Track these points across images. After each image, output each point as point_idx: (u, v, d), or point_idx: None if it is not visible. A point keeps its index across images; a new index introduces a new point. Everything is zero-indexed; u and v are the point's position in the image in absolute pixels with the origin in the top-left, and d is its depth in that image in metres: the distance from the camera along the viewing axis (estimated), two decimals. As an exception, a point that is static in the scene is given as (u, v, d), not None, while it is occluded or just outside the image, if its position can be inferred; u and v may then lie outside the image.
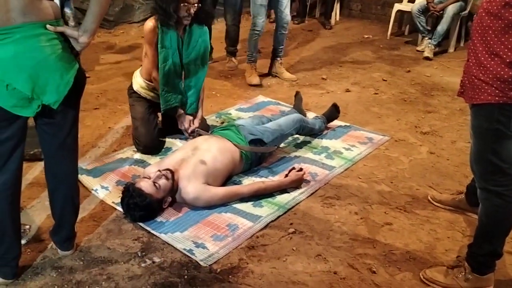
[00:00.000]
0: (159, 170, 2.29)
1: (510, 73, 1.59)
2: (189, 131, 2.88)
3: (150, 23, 2.72)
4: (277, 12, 4.06)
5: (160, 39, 2.70)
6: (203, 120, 3.04)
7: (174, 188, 2.29)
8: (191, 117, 2.90)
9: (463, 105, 3.47)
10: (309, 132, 3.07)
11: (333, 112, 3.29)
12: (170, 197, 2.30)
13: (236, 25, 4.49)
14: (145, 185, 2.22)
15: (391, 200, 2.52)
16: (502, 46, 1.59)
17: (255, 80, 4.10)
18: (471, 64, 1.71)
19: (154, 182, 2.22)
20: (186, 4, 2.64)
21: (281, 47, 4.20)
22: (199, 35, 2.82)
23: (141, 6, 5.68)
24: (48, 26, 1.61)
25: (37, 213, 2.30)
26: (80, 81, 1.75)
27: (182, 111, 2.90)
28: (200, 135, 2.83)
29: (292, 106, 3.41)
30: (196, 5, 2.68)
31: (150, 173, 2.32)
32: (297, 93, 3.45)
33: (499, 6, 1.58)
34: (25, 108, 1.63)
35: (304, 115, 3.37)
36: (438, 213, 2.41)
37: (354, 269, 2.01)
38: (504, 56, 1.59)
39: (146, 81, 2.92)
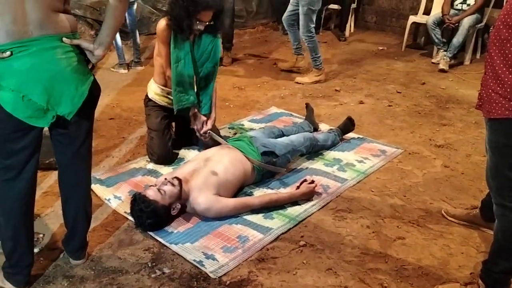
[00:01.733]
0: (165, 178, 2.31)
1: (528, 87, 1.57)
2: (202, 131, 2.85)
3: (163, 22, 2.73)
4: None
5: (172, 40, 2.71)
6: (214, 128, 3.04)
7: (181, 196, 2.29)
8: (204, 118, 2.88)
9: (479, 118, 3.43)
10: (320, 150, 3.06)
11: (348, 125, 3.27)
12: (179, 204, 2.30)
13: (232, 22, 4.72)
14: (150, 192, 2.24)
15: (404, 214, 2.49)
16: (521, 59, 1.57)
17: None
18: (488, 77, 1.68)
19: (158, 189, 2.24)
20: (199, 21, 2.67)
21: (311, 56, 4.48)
22: (210, 40, 2.83)
23: (158, 18, 5.75)
24: (64, 39, 1.64)
25: (50, 221, 2.33)
26: (94, 93, 1.78)
27: (196, 110, 2.87)
28: (212, 138, 2.83)
29: (304, 118, 3.41)
30: (209, 22, 2.70)
31: (157, 181, 2.34)
32: (307, 105, 3.46)
33: (518, 19, 1.56)
34: (40, 119, 1.66)
35: (317, 126, 3.37)
36: (452, 228, 2.37)
37: (365, 284, 1.99)
38: (523, 69, 1.56)
39: (160, 86, 2.93)
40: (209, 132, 2.85)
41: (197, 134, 2.88)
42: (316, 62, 4.46)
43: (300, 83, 4.44)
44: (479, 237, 2.30)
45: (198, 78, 2.90)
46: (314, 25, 4.31)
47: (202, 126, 2.86)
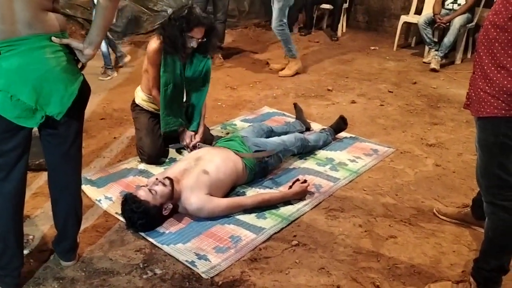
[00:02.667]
0: (156, 178, 2.30)
1: (517, 85, 1.58)
2: (191, 145, 2.90)
3: (154, 45, 2.74)
4: None
5: (163, 63, 2.73)
6: (206, 132, 3.05)
7: (173, 196, 2.28)
8: (192, 133, 2.94)
9: (470, 117, 3.43)
10: (312, 150, 3.06)
11: (341, 124, 3.28)
12: (171, 204, 2.29)
13: (224, 22, 4.76)
14: (141, 192, 2.23)
15: (396, 212, 2.49)
16: (509, 59, 1.57)
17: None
18: (477, 76, 1.69)
19: (150, 189, 2.22)
20: (192, 38, 2.68)
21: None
22: (201, 61, 2.87)
23: (149, 18, 5.74)
24: (53, 38, 1.62)
25: (40, 223, 2.31)
26: (84, 93, 1.76)
27: (183, 128, 2.92)
28: (201, 148, 2.84)
29: (295, 118, 3.41)
30: (201, 39, 2.72)
31: (149, 182, 2.32)
32: (295, 105, 3.48)
33: (506, 19, 1.57)
34: (28, 119, 1.65)
35: (308, 125, 3.38)
36: (443, 227, 2.38)
37: (358, 283, 1.99)
38: (511, 68, 1.57)
39: (148, 95, 2.96)
40: (198, 144, 2.89)
41: (187, 149, 2.93)
42: (292, 51, 4.57)
43: (283, 76, 4.56)
44: (470, 235, 2.31)
45: (188, 97, 2.93)
46: (286, 20, 4.45)
47: (191, 141, 2.91)
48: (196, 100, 2.95)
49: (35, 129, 1.75)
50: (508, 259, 1.83)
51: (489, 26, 1.63)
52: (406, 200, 2.61)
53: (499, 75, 1.61)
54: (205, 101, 3.03)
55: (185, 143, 2.93)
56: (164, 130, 2.86)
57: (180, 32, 2.64)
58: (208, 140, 3.06)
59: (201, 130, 2.98)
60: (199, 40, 2.71)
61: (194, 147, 2.88)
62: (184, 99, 2.94)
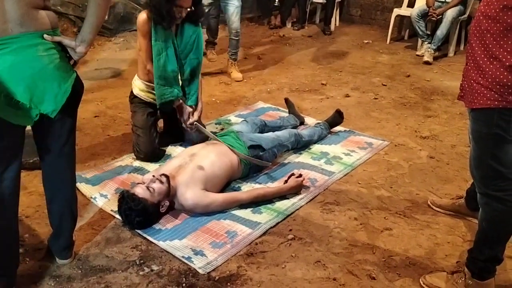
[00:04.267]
0: (153, 175, 2.30)
1: (510, 77, 1.58)
2: (188, 123, 2.80)
3: (143, 15, 2.71)
4: (226, 19, 4.34)
5: (153, 32, 2.69)
6: (201, 122, 3.01)
7: (170, 192, 2.28)
8: (190, 109, 2.83)
9: (463, 109, 3.46)
10: (307, 145, 3.06)
11: (337, 118, 3.28)
12: (168, 201, 2.29)
13: (217, 17, 4.71)
14: (139, 190, 2.22)
15: (391, 205, 2.51)
16: (501, 50, 1.58)
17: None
18: (470, 68, 1.70)
19: (147, 187, 2.22)
20: (179, 7, 2.65)
21: (233, 50, 4.46)
22: (192, 31, 2.81)
23: (141, 14, 5.70)
24: (45, 36, 1.62)
25: (35, 221, 2.30)
26: (77, 90, 1.75)
27: (181, 101, 2.82)
28: (198, 130, 2.81)
29: (288, 112, 3.42)
30: (188, 9, 2.69)
31: (145, 179, 2.32)
32: (287, 100, 3.48)
33: (497, 9, 1.57)
34: (23, 117, 1.64)
35: (302, 119, 3.39)
36: (438, 218, 2.40)
37: (354, 276, 2.00)
38: (504, 59, 1.57)
39: (145, 82, 2.90)
40: (195, 124, 2.81)
41: (183, 125, 2.84)
42: (237, 54, 4.53)
43: (239, 80, 4.41)
44: (464, 226, 2.33)
45: (183, 70, 2.87)
46: None
47: (189, 117, 2.81)
48: (191, 73, 2.88)
49: (28, 128, 1.74)
50: (502, 249, 1.85)
51: (481, 17, 1.64)
52: (400, 193, 2.62)
53: (491, 66, 1.61)
54: (201, 79, 2.97)
55: (183, 120, 2.82)
56: (160, 102, 2.78)
57: (166, 0, 2.59)
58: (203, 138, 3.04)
59: (199, 107, 2.91)
60: (187, 9, 2.67)
61: (192, 125, 2.80)
62: (179, 73, 2.87)
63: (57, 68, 1.64)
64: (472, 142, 1.79)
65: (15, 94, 1.58)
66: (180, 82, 2.89)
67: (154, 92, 2.86)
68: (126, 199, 2.20)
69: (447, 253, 2.15)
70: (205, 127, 3.09)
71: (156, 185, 2.23)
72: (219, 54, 4.92)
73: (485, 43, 1.62)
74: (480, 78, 1.65)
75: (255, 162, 2.68)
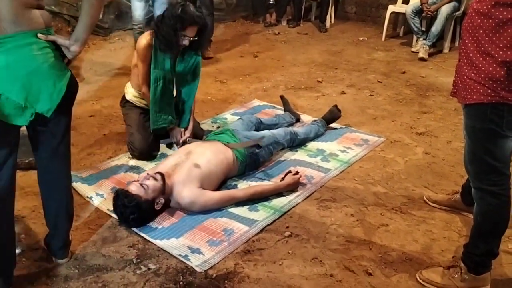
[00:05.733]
0: (147, 173, 2.30)
1: (502, 72, 1.59)
2: (181, 141, 2.89)
3: (144, 41, 2.73)
4: None
5: (153, 59, 2.72)
6: (196, 126, 3.04)
7: (165, 190, 2.28)
8: (181, 129, 2.93)
9: (458, 105, 3.45)
10: (303, 143, 3.07)
11: (334, 113, 3.28)
12: (163, 198, 2.29)
13: (211, 15, 4.77)
14: (133, 187, 2.23)
15: (387, 201, 2.52)
16: (494, 45, 1.59)
17: None
18: (463, 64, 1.71)
19: (141, 184, 2.22)
20: (185, 36, 2.68)
21: None
22: (192, 57, 2.86)
23: (136, 13, 5.68)
24: (39, 35, 1.61)
25: (32, 221, 2.29)
26: (72, 89, 1.75)
27: (173, 125, 2.91)
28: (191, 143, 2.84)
29: (283, 110, 3.42)
30: (193, 38, 2.71)
31: (140, 177, 2.32)
32: (282, 97, 3.49)
33: (489, 6, 1.58)
34: (18, 117, 1.64)
35: (298, 116, 3.39)
36: (434, 214, 2.41)
37: (350, 272, 2.01)
38: (496, 55, 1.58)
39: (138, 91, 2.94)
40: (188, 140, 2.88)
41: (177, 146, 2.92)
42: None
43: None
44: (460, 221, 2.34)
45: (179, 92, 2.92)
46: None
47: (181, 137, 2.90)
48: (186, 96, 2.94)
49: (23, 128, 1.74)
50: (497, 243, 1.86)
51: (473, 14, 1.65)
52: (396, 189, 2.63)
53: (484, 62, 1.62)
54: (195, 98, 3.02)
55: (175, 140, 2.92)
56: (154, 127, 2.85)
57: (174, 30, 2.64)
58: (199, 134, 3.05)
59: (190, 125, 2.97)
60: (191, 38, 2.70)
61: (184, 143, 2.87)
62: (174, 95, 2.93)
63: (52, 67, 1.64)
64: (466, 137, 1.80)
65: (10, 93, 1.58)
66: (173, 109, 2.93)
67: (147, 100, 2.89)
68: (120, 196, 2.20)
69: (443, 248, 2.16)
70: (199, 125, 3.11)
71: (150, 182, 2.23)
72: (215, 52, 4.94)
73: (478, 39, 1.63)
74: (473, 74, 1.66)
75: (251, 143, 2.68)
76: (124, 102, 3.03)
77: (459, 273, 1.90)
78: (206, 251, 2.10)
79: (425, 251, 2.14)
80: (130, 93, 2.99)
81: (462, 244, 1.96)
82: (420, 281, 1.95)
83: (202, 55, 3.01)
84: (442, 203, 2.45)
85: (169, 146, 3.03)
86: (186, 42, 2.70)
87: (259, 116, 3.38)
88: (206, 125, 3.34)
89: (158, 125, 2.85)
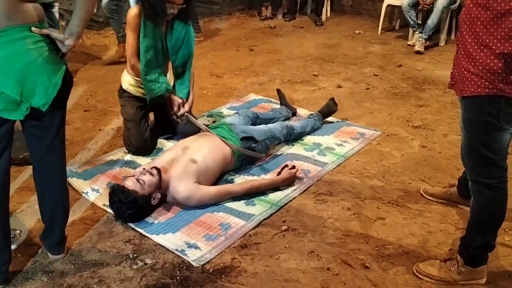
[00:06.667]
0: (143, 168, 2.28)
1: (500, 64, 1.58)
2: (179, 114, 2.77)
3: (135, 9, 2.70)
4: None
5: (142, 28, 2.68)
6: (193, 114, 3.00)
7: (161, 185, 2.27)
8: (180, 100, 2.80)
9: (454, 98, 3.47)
10: (299, 137, 3.06)
11: (331, 106, 3.27)
12: (159, 193, 2.28)
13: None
14: (129, 183, 2.21)
15: (384, 194, 2.52)
16: (491, 37, 1.58)
17: None
18: (460, 56, 1.70)
19: (137, 179, 2.21)
20: (171, 3, 2.63)
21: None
22: (182, 27, 2.80)
23: (130, 7, 5.63)
24: (33, 28, 1.60)
25: (27, 217, 2.28)
26: (67, 83, 1.74)
27: (169, 94, 2.78)
28: (189, 121, 2.79)
29: (280, 104, 3.41)
30: (180, 6, 2.67)
31: (136, 172, 2.31)
32: (278, 91, 3.47)
33: (487, -3, 1.57)
34: (13, 112, 1.63)
35: (294, 110, 3.38)
36: (430, 207, 2.41)
37: (347, 265, 2.01)
38: (494, 47, 1.57)
39: (134, 77, 2.88)
40: (186, 115, 2.78)
41: (174, 117, 2.80)
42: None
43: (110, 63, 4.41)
44: (457, 214, 2.35)
45: (174, 66, 2.86)
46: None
47: (179, 109, 2.78)
48: (182, 68, 2.88)
49: (18, 123, 1.72)
50: (493, 236, 1.86)
51: (471, 5, 1.63)
52: (393, 182, 2.63)
53: (482, 53, 1.61)
54: (193, 69, 2.95)
55: (172, 112, 2.79)
56: (149, 97, 2.77)
57: None
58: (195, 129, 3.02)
59: (190, 98, 2.88)
60: (179, 6, 2.67)
61: (182, 116, 2.77)
62: (171, 68, 2.86)
63: (46, 61, 1.63)
64: (463, 130, 1.79)
65: (5, 88, 1.57)
66: (172, 78, 2.85)
67: (143, 87, 2.84)
68: (116, 192, 2.19)
69: (440, 241, 2.16)
70: (196, 119, 3.07)
71: (147, 177, 2.22)
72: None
73: (475, 31, 1.62)
74: (470, 66, 1.65)
75: (249, 153, 2.67)
76: (121, 92, 2.98)
77: (456, 266, 1.90)
78: (203, 245, 2.09)
79: (421, 244, 2.14)
80: (126, 81, 2.94)
81: (459, 237, 1.96)
82: (417, 274, 1.95)
83: (192, 25, 2.91)
84: (438, 196, 2.45)
85: (168, 138, 2.99)
86: (174, 10, 2.65)
87: (255, 110, 3.37)
88: (202, 119, 3.32)
89: (154, 94, 2.74)
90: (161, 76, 2.79)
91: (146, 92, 2.77)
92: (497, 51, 1.57)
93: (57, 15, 3.94)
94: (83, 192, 2.49)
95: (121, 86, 2.99)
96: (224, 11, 6.46)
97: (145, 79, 2.74)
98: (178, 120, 2.80)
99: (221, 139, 2.60)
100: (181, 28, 2.79)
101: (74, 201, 2.37)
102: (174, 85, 2.92)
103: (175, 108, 2.78)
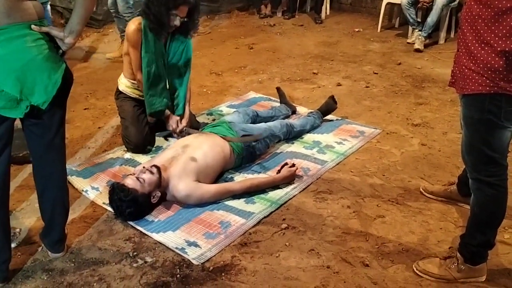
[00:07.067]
0: (143, 166, 2.28)
1: (501, 62, 1.58)
2: (177, 131, 2.86)
3: (133, 26, 2.69)
4: None
5: (144, 43, 2.69)
6: (192, 119, 3.02)
7: (161, 183, 2.27)
8: (177, 117, 2.89)
9: (454, 96, 3.48)
10: (299, 135, 3.06)
11: (330, 104, 3.27)
12: (159, 192, 2.28)
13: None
14: (129, 181, 2.21)
15: (383, 192, 2.52)
16: (493, 35, 1.57)
17: None
18: (461, 54, 1.70)
19: (137, 177, 2.21)
20: (176, 16, 2.65)
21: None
22: (182, 41, 2.83)
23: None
24: (33, 26, 1.60)
25: (27, 215, 2.28)
26: (67, 81, 1.73)
27: (169, 113, 2.88)
28: (189, 133, 2.81)
29: (279, 102, 3.41)
30: (182, 19, 2.68)
31: (136, 171, 2.31)
32: (278, 89, 3.47)
33: (489, -5, 1.57)
34: (13, 110, 1.62)
35: (294, 108, 3.38)
36: (430, 205, 2.41)
37: (347, 263, 2.01)
38: (495, 45, 1.57)
39: (131, 80, 2.90)
40: (185, 129, 2.85)
41: (174, 134, 2.89)
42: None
43: (111, 58, 4.45)
44: (456, 212, 2.35)
45: (171, 79, 2.89)
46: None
47: (177, 126, 2.86)
48: (179, 83, 2.90)
49: (17, 121, 1.72)
50: (493, 233, 1.86)
51: (472, 3, 1.63)
52: (393, 180, 2.63)
53: (483, 51, 1.61)
54: (189, 85, 2.99)
55: (171, 129, 2.88)
56: (149, 112, 2.81)
57: (166, 9, 2.60)
58: (194, 127, 3.03)
59: (187, 114, 2.93)
60: (182, 19, 2.67)
61: (181, 132, 2.84)
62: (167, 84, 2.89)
63: (46, 59, 1.63)
64: (464, 128, 1.79)
65: (5, 86, 1.57)
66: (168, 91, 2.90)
67: (140, 89, 2.86)
68: (116, 190, 2.19)
69: (440, 239, 2.17)
70: (195, 118, 3.08)
71: (147, 176, 2.22)
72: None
73: (477, 29, 1.61)
74: (471, 64, 1.65)
75: (249, 139, 2.67)
76: (118, 94, 3.00)
77: (456, 264, 1.91)
78: (203, 244, 2.10)
79: (421, 242, 2.15)
80: (123, 83, 2.95)
81: (459, 235, 1.96)
82: (417, 272, 1.95)
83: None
84: (438, 194, 2.45)
85: (166, 138, 3.00)
86: (177, 22, 2.66)
87: (255, 108, 3.37)
88: (201, 117, 3.32)
89: (154, 108, 2.80)
90: (163, 90, 2.83)
91: (147, 106, 2.81)
92: (498, 49, 1.57)
93: (49, 13, 3.95)
94: (83, 190, 2.49)
95: (117, 89, 3.01)
96: (224, 9, 6.44)
97: (147, 93, 2.77)
98: (177, 136, 2.86)
99: (220, 135, 2.61)
100: (180, 43, 2.82)
101: (74, 199, 2.37)
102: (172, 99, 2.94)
103: (174, 126, 2.86)
